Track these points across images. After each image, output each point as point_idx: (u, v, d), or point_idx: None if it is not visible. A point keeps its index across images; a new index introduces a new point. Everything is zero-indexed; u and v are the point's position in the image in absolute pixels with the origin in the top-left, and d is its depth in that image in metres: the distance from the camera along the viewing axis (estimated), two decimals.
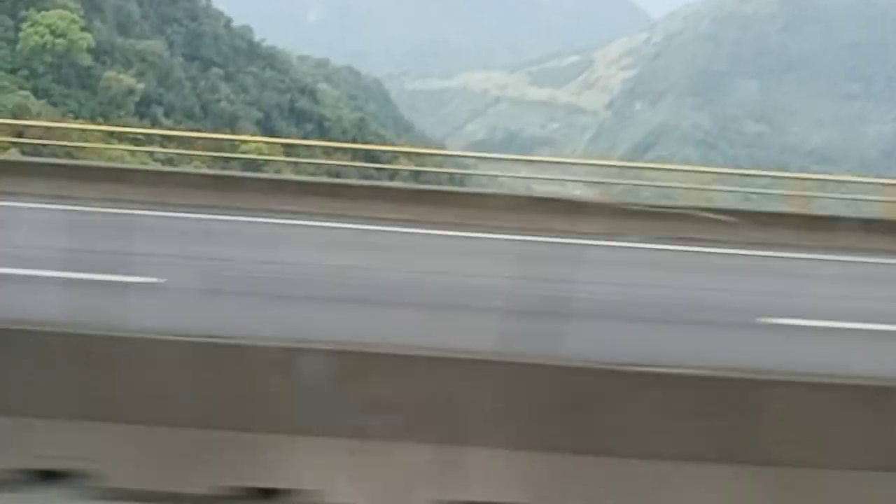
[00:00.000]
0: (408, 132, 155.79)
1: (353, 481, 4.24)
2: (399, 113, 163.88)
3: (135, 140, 38.18)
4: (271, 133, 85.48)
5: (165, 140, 38.30)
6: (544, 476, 4.27)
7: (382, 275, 8.59)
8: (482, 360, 4.51)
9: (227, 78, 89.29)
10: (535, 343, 5.45)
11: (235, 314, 6.93)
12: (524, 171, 33.52)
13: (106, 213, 10.45)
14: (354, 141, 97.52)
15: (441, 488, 4.21)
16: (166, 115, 77.67)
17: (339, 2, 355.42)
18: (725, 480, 4.24)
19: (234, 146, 37.30)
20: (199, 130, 73.85)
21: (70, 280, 7.38)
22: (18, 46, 66.98)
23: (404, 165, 40.02)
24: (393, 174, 51.93)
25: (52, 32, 67.53)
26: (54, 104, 67.17)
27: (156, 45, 79.27)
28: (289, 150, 39.67)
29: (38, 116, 50.26)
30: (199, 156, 23.58)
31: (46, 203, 10.11)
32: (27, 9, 69.36)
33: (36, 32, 66.98)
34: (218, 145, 32.78)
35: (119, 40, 77.38)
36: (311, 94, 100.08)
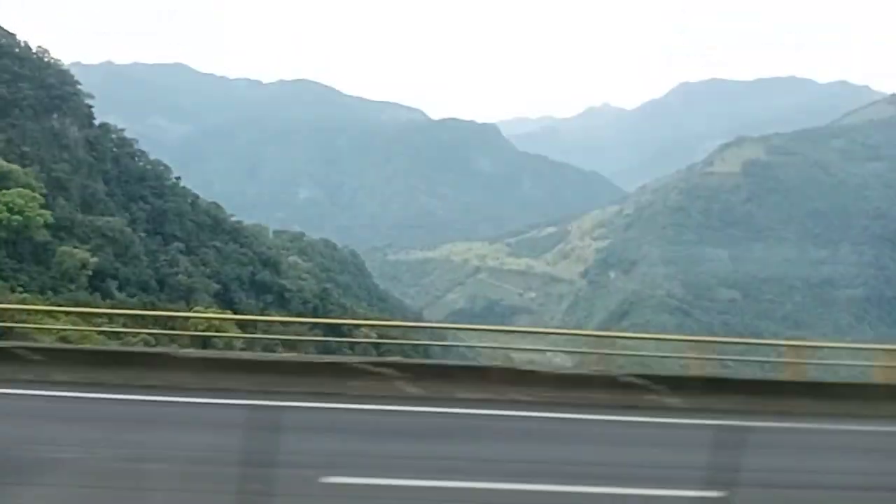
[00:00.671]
0: (382, 301, 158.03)
1: None
2: (373, 283, 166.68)
3: (83, 315, 38.21)
4: (229, 304, 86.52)
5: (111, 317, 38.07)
6: None
7: None
8: None
9: (189, 252, 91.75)
10: None
11: None
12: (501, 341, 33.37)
13: None
14: (315, 311, 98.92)
15: None
16: (120, 288, 79.04)
17: (330, 180, 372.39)
18: None
19: (184, 321, 37.38)
20: (152, 303, 75.26)
21: None
22: None
23: (366, 337, 39.74)
24: (353, 345, 52.19)
25: (10, 210, 70.31)
26: (5, 279, 68.64)
27: (116, 221, 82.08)
28: (246, 322, 39.19)
29: None
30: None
31: None
32: None
33: None
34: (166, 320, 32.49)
35: (80, 217, 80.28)
36: (274, 265, 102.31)
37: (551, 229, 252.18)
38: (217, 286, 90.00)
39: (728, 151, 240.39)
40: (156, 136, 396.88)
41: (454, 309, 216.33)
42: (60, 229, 76.70)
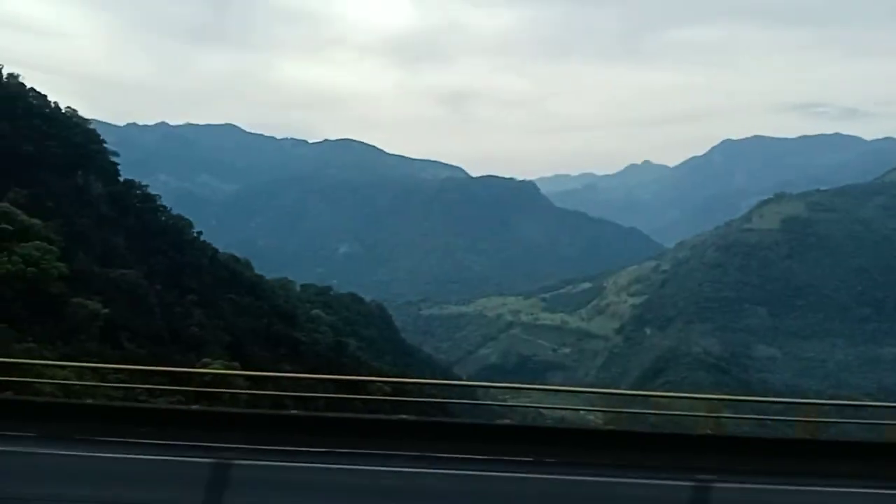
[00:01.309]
0: (407, 356, 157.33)
1: None
2: (399, 337, 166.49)
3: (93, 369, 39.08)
4: (241, 357, 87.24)
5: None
6: None
7: None
8: None
9: (204, 304, 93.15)
10: None
11: None
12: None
13: None
14: (329, 365, 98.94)
15: None
16: (130, 339, 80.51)
17: (370, 236, 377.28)
18: None
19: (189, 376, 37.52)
20: (162, 355, 76.39)
21: None
22: None
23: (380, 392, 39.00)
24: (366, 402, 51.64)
25: (26, 262, 72.78)
26: (19, 330, 70.70)
27: (131, 273, 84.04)
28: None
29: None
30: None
31: None
32: (9, 240, 75.50)
33: (10, 262, 72.25)
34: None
35: (96, 269, 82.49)
36: (290, 318, 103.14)
37: (587, 285, 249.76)
38: (229, 338, 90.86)
39: (767, 208, 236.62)
40: (205, 194, 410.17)
41: (486, 364, 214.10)
42: (76, 281, 78.77)
